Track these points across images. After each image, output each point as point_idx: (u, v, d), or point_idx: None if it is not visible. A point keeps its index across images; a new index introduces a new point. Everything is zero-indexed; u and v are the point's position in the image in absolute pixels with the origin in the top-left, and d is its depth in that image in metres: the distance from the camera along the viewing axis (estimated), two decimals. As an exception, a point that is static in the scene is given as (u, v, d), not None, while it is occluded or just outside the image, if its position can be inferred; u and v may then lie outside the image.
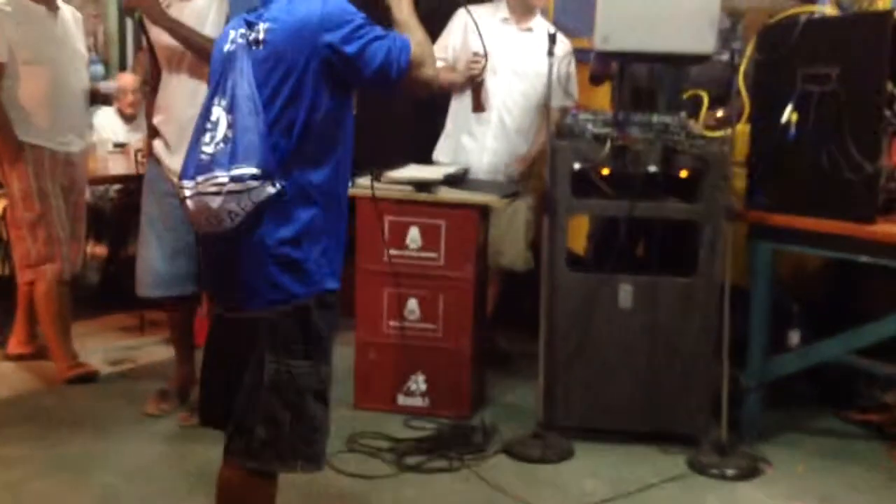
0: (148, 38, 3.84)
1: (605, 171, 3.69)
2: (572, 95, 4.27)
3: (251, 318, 2.23)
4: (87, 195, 5.14)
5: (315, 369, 2.28)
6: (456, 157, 4.41)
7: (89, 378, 4.33)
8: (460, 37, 4.36)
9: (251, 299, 2.23)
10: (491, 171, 4.38)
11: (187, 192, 2.14)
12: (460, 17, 4.39)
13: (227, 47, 2.22)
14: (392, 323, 3.98)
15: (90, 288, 5.68)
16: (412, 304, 3.96)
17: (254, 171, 2.07)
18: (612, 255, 3.71)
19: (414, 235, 3.91)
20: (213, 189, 2.08)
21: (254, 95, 2.11)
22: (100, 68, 6.41)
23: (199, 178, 2.11)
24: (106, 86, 5.06)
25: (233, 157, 2.08)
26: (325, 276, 2.26)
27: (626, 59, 3.72)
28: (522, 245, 4.50)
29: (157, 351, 4.79)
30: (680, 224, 3.79)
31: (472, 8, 4.34)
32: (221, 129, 2.10)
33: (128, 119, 5.78)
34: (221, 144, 2.09)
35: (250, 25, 2.19)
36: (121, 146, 5.49)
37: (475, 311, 3.98)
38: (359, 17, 2.18)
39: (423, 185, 3.88)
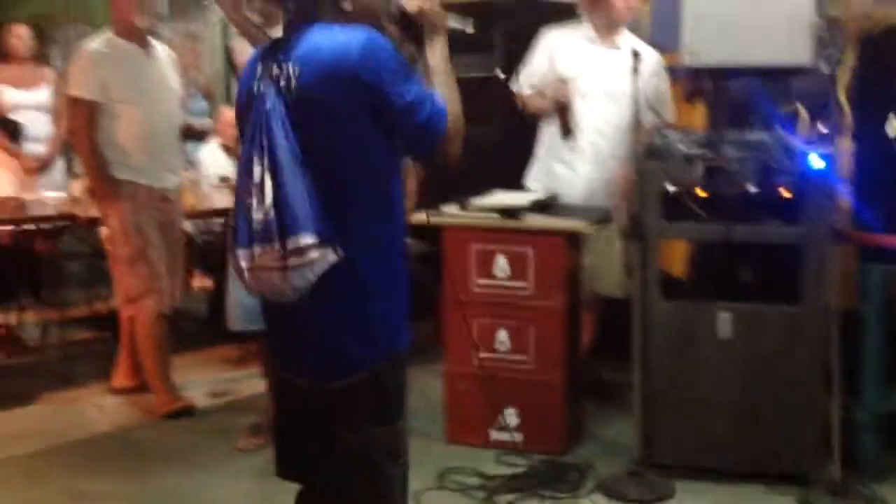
0: (233, 65, 3.87)
1: (699, 193, 3.50)
2: (661, 115, 4.08)
3: (319, 386, 2.09)
4: (192, 229, 5.24)
5: (390, 431, 2.12)
6: (548, 185, 4.27)
7: (187, 412, 4.37)
8: (546, 60, 4.23)
9: (318, 367, 2.09)
10: (587, 198, 4.22)
11: (244, 264, 1.99)
12: (544, 40, 4.27)
13: (255, 86, 2.05)
14: (482, 354, 3.86)
15: (198, 320, 5.78)
16: (502, 334, 3.83)
17: (311, 240, 1.92)
18: (709, 281, 3.51)
19: (502, 264, 3.80)
20: (275, 264, 1.94)
21: (295, 151, 1.93)
22: (203, 104, 6.54)
23: (257, 250, 1.96)
24: (200, 122, 5.15)
25: (288, 226, 1.92)
26: (393, 334, 2.10)
27: (718, 74, 3.53)
28: (619, 270, 4.32)
29: (257, 383, 4.78)
30: (783, 247, 3.56)
31: (555, 29, 4.24)
32: (268, 193, 1.94)
33: (231, 152, 5.87)
34: (273, 211, 1.93)
35: (278, 63, 2.01)
36: (225, 180, 5.57)
37: (568, 342, 3.83)
38: (398, 60, 1.99)
39: (509, 212, 3.77)
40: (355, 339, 2.04)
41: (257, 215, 1.95)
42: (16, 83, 5.86)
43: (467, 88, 2.25)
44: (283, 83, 1.99)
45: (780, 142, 3.44)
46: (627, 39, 4.25)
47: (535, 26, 4.10)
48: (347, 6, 2.05)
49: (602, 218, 3.92)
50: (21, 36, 5.86)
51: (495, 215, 3.78)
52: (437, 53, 2.13)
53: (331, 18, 2.04)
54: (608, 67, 4.18)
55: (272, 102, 1.97)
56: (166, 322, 4.38)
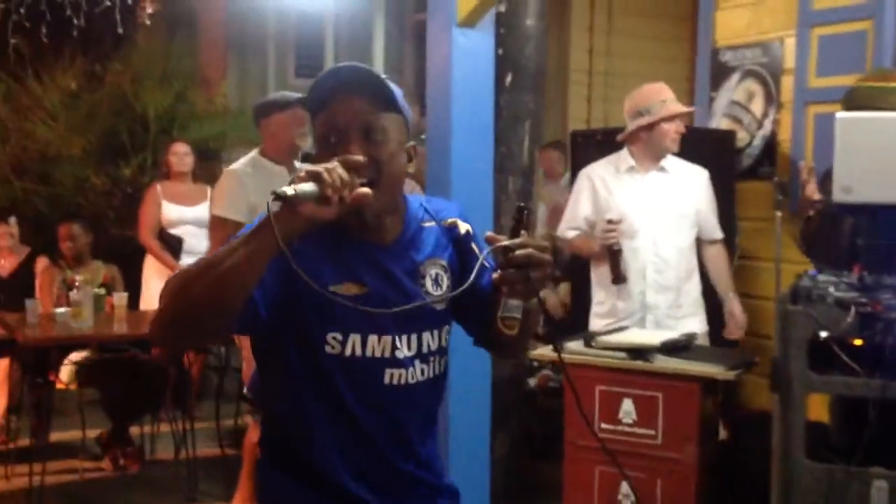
0: None
1: (853, 342, 3.12)
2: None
3: None
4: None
5: None
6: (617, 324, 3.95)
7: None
8: (589, 202, 4.02)
9: None
10: (656, 327, 3.90)
11: None
12: (583, 181, 4.05)
13: None
14: (603, 508, 3.54)
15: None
16: (625, 487, 3.50)
17: None
18: (860, 439, 3.09)
19: (628, 408, 3.50)
20: None
21: None
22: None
23: None
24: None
25: None
26: None
27: (872, 212, 3.18)
28: None
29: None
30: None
31: (593, 167, 4.05)
32: None
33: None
34: None
35: None
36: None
37: (699, 501, 3.45)
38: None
39: (638, 352, 3.48)
40: None
41: None
42: (178, 199, 6.07)
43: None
44: None
45: (946, 289, 3.04)
46: (672, 160, 3.98)
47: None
48: None
49: (740, 363, 3.56)
50: (178, 153, 6.10)
51: (622, 355, 3.50)
52: None
53: None
54: (655, 193, 3.92)
55: None
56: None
